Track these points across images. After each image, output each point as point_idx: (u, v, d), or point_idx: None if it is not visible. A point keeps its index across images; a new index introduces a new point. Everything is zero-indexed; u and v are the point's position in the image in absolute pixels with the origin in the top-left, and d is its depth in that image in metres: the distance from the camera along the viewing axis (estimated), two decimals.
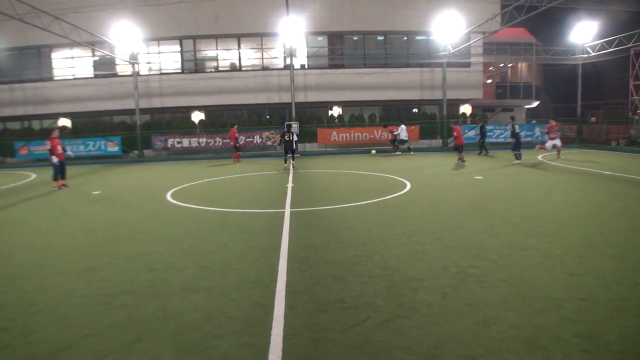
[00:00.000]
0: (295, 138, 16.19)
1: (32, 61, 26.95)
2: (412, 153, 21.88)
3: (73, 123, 27.15)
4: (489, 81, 33.66)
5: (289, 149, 16.10)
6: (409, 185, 10.80)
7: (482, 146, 19.94)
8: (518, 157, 15.65)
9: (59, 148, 13.11)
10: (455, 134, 17.50)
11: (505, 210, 7.66)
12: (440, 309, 3.73)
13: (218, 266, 5.10)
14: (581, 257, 4.99)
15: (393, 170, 14.10)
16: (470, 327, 3.39)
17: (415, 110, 27.94)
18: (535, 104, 31.93)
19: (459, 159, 16.50)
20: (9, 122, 27.37)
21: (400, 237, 6.07)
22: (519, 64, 32.07)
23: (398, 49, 26.87)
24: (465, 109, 27.37)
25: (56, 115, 27.04)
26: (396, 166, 15.72)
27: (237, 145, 20.59)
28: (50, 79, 26.84)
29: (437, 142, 25.71)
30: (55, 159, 12.75)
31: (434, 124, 25.90)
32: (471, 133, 23.36)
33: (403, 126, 21.98)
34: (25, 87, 26.69)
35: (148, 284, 4.63)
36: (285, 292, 4.19)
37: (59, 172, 13.07)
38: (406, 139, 22.14)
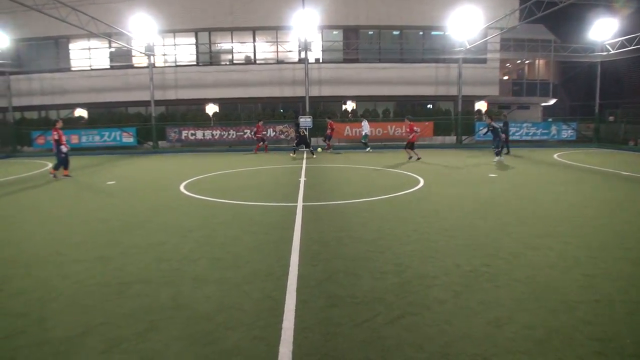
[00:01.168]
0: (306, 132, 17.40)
1: (50, 52, 27.34)
2: (369, 150, 21.64)
3: (89, 113, 27.48)
4: (506, 78, 33.27)
5: (302, 142, 18.30)
6: (422, 182, 10.75)
7: (504, 145, 18.81)
8: (497, 154, 15.63)
9: (64, 139, 13.35)
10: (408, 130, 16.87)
11: (520, 209, 7.58)
12: (453, 307, 3.71)
13: (230, 258, 5.13)
14: (596, 258, 4.91)
15: (407, 167, 14.03)
16: (483, 326, 3.36)
17: (429, 106, 27.75)
18: (552, 101, 31.48)
19: (410, 156, 16.36)
20: (26, 111, 27.79)
21: (412, 233, 6.04)
22: (537, 61, 31.62)
23: (414, 44, 26.65)
24: (481, 105, 27.07)
25: (73, 106, 27.39)
26: (410, 163, 15.62)
27: (261, 137, 22.09)
28: (67, 69, 27.21)
29: (452, 138, 25.52)
30: (64, 149, 13.07)
31: (449, 120, 25.69)
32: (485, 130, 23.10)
33: (365, 122, 22.24)
34: (43, 77, 27.09)
35: (161, 274, 4.68)
36: (297, 286, 4.20)
37: (64, 162, 13.31)
38: (368, 134, 22.23)
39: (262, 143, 22.35)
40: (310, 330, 3.35)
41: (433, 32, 26.33)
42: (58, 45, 27.26)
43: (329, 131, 22.04)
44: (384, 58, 26.36)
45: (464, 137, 24.75)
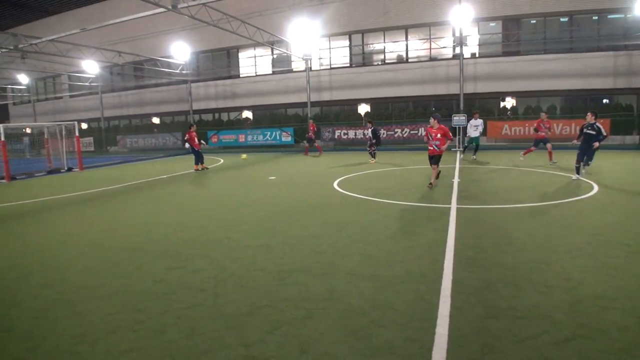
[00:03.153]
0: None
1: (223, 61, 31.03)
2: (463, 157, 17.24)
3: (254, 115, 30.51)
4: None
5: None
6: (596, 188, 9.41)
7: None
8: (579, 168, 10.84)
9: (196, 140, 15.87)
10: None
11: None
12: (635, 335, 3.18)
13: (383, 256, 5.18)
14: None
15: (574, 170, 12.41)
16: None
17: (606, 101, 24.18)
18: None
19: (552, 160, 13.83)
20: (203, 114, 32.06)
21: (585, 246, 5.33)
22: None
23: (586, 30, 23.48)
24: None
25: (241, 108, 30.75)
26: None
27: (311, 138, 21.52)
28: (237, 76, 30.59)
29: (634, 138, 21.89)
30: (189, 146, 16.00)
31: (631, 117, 22.08)
32: None
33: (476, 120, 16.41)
34: (217, 84, 31.02)
35: (317, 265, 4.94)
36: (451, 292, 4.04)
37: (199, 158, 16.05)
38: (477, 137, 16.42)
39: (312, 144, 21.38)
40: (466, 339, 3.20)
41: (610, 15, 22.85)
42: (229, 55, 30.78)
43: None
44: (550, 49, 23.76)
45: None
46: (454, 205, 7.91)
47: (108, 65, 30.51)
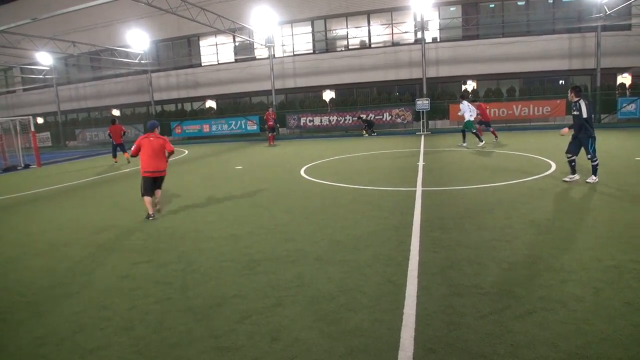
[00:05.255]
0: None
1: (183, 50, 30.25)
2: (479, 145, 14.72)
3: (218, 104, 29.98)
4: None
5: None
6: (553, 166, 9.79)
7: None
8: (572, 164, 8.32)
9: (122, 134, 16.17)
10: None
11: None
12: (592, 305, 3.34)
13: (351, 241, 5.24)
14: None
15: (536, 150, 12.87)
16: (628, 328, 2.98)
17: (562, 82, 25.02)
18: None
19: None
20: (165, 104, 31.27)
21: (544, 222, 5.55)
22: None
23: (542, 13, 24.15)
24: (624, 79, 23.67)
25: (204, 98, 30.14)
26: (540, 145, 14.32)
27: (272, 127, 20.90)
28: (198, 65, 29.91)
29: None
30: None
31: (586, 97, 22.88)
32: (631, 107, 20.28)
33: (465, 103, 14.77)
34: (179, 73, 30.26)
35: (286, 253, 4.95)
36: (418, 272, 4.14)
37: (118, 150, 16.27)
38: (471, 120, 14.77)
39: (272, 133, 20.89)
40: (433, 317, 3.29)
41: None
42: (190, 44, 30.03)
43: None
44: (508, 32, 24.33)
45: (603, 116, 21.93)
46: (419, 188, 8.05)
47: (63, 57, 29.22)
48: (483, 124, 15.28)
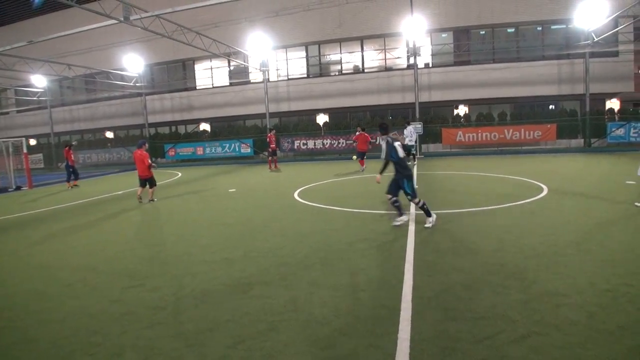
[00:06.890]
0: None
1: (178, 73, 30.50)
2: (414, 163, 17.61)
3: (212, 127, 30.08)
4: None
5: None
6: (545, 190, 9.87)
7: None
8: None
9: (72, 157, 17.24)
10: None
11: None
12: (586, 329, 3.34)
13: (344, 265, 5.21)
14: None
15: (527, 173, 13.01)
16: (624, 353, 2.98)
17: (552, 107, 25.47)
18: None
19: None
20: (159, 127, 31.33)
21: (537, 246, 5.57)
22: None
23: (531, 40, 24.75)
24: (613, 104, 24.16)
25: (198, 121, 30.24)
26: (531, 169, 14.48)
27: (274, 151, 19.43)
28: (193, 88, 30.12)
29: (579, 142, 23.13)
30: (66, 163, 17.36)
31: (575, 122, 23.33)
32: (620, 132, 20.65)
33: (411, 127, 18.57)
34: (173, 96, 30.44)
35: (280, 277, 4.91)
36: (412, 297, 4.12)
37: (74, 175, 17.28)
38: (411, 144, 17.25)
39: (273, 157, 19.42)
40: (427, 342, 3.26)
41: (553, 26, 24.22)
42: (185, 67, 30.31)
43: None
44: (498, 58, 24.86)
45: (593, 140, 22.27)
46: (412, 212, 8.06)
47: (57, 79, 29.29)
48: (361, 153, 16.85)
